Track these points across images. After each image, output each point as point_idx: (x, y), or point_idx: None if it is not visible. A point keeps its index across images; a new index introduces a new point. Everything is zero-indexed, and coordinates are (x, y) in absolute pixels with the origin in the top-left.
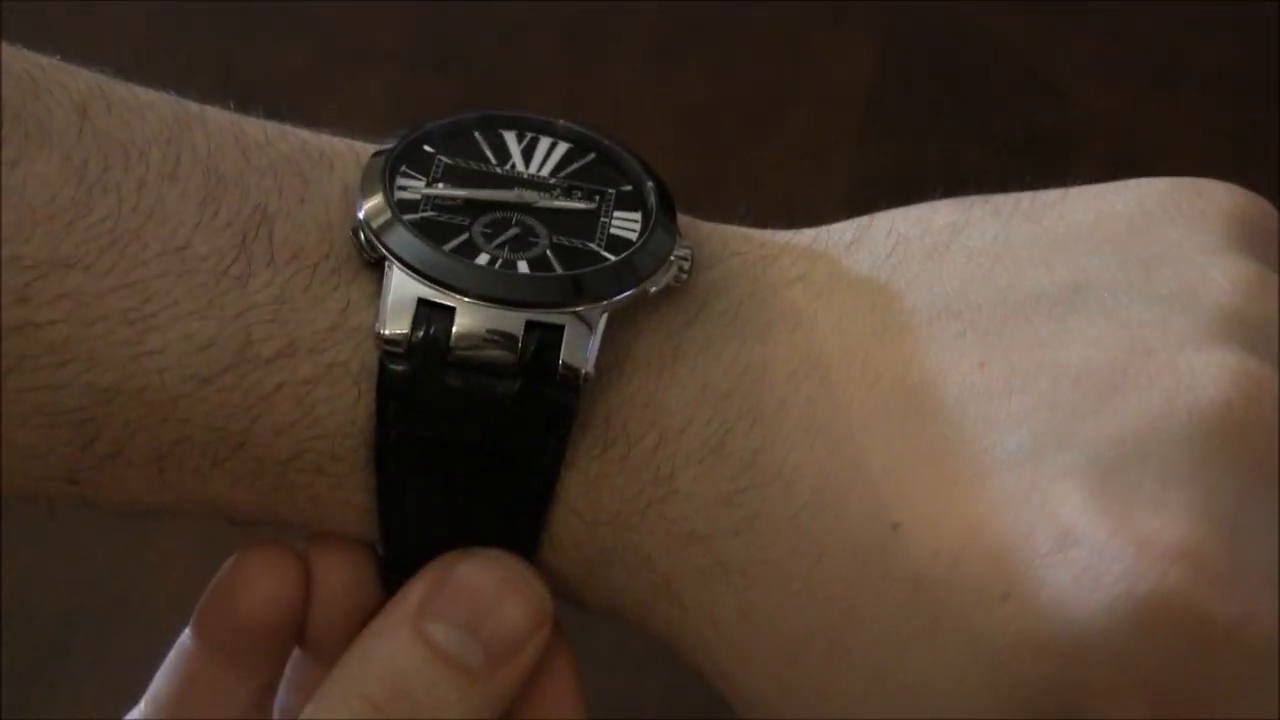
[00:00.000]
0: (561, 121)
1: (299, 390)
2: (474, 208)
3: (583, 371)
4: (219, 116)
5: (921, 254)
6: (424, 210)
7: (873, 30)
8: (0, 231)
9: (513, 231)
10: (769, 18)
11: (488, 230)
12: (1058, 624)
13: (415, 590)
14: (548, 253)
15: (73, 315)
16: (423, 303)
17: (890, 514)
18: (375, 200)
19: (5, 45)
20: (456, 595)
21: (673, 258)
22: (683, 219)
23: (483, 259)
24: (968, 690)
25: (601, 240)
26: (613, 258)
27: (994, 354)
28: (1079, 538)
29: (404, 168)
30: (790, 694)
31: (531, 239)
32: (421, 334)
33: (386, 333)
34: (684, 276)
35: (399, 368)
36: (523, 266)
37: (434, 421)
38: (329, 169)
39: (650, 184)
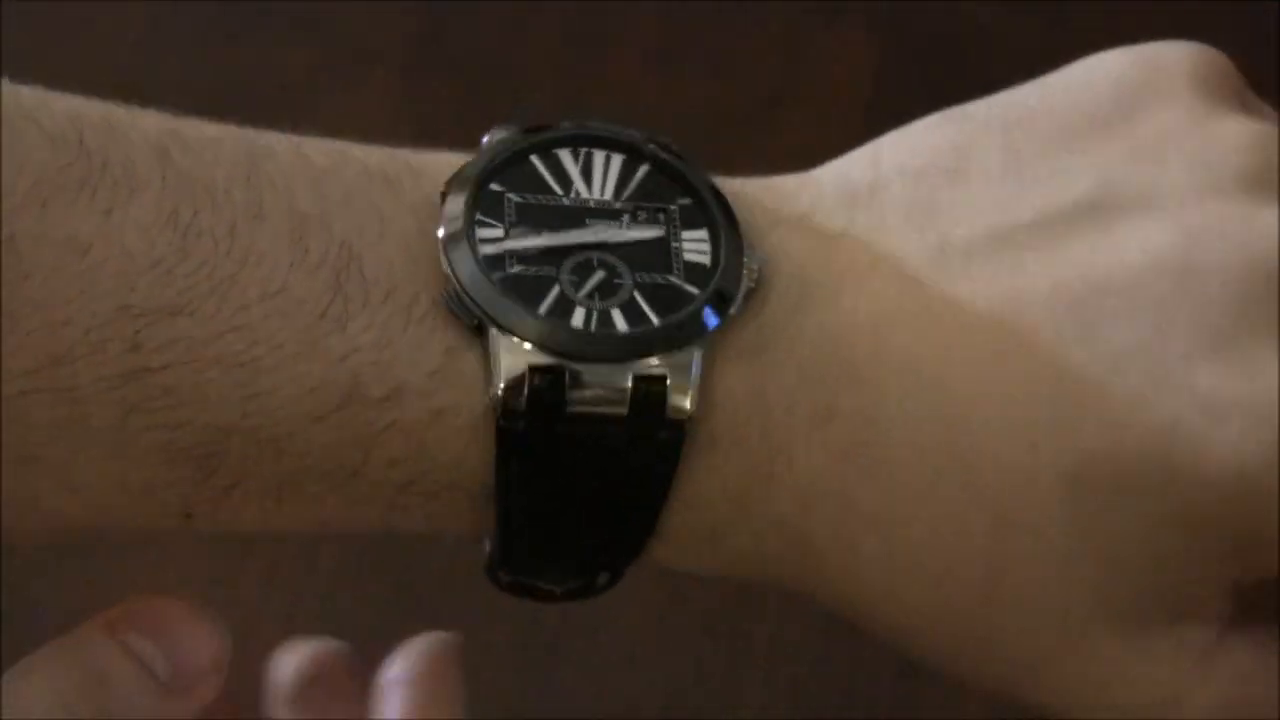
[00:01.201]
0: (604, 127)
1: (410, 429)
2: (555, 254)
3: (689, 411)
4: (279, 143)
5: (946, 181)
6: (510, 266)
7: (873, 30)
8: (108, 282)
9: (598, 276)
10: (769, 18)
11: (574, 277)
12: (1232, 483)
13: (109, 611)
14: (635, 296)
15: (184, 359)
16: (534, 368)
17: (1025, 436)
18: (465, 263)
19: (75, 97)
20: (153, 618)
21: (745, 271)
22: (716, 182)
23: (579, 316)
24: (1154, 551)
25: (680, 270)
26: (695, 290)
27: (1064, 270)
28: (1222, 410)
29: (479, 215)
30: (950, 618)
31: (616, 280)
32: (536, 398)
33: (503, 401)
34: (753, 285)
35: (516, 426)
36: (618, 317)
37: (552, 470)
38: (396, 197)
39: (708, 193)
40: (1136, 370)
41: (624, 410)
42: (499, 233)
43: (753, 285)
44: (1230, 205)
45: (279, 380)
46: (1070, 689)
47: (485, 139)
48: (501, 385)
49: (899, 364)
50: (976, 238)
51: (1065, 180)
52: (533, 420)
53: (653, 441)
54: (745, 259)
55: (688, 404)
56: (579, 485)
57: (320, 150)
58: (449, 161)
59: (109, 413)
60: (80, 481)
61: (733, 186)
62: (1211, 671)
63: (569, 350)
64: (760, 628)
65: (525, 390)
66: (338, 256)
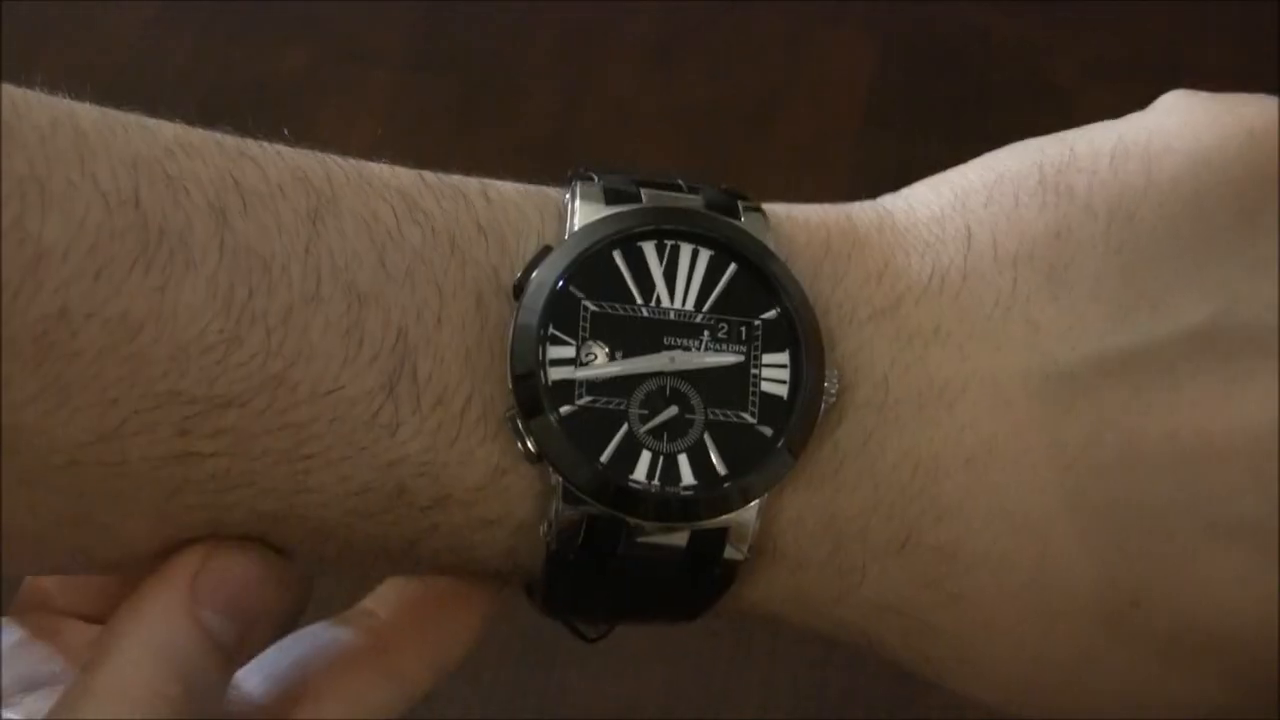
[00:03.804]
0: (700, 215)
1: (456, 530)
2: (629, 381)
3: (744, 556)
4: (347, 195)
5: (1044, 282)
6: (579, 396)
7: (873, 30)
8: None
9: (669, 412)
10: (769, 18)
11: (644, 410)
12: None
13: (184, 571)
14: (706, 438)
15: (234, 449)
16: (590, 517)
17: (1127, 592)
18: (530, 393)
19: (139, 129)
20: (221, 580)
21: (824, 399)
22: (791, 231)
23: (644, 465)
24: (1212, 704)
25: (755, 407)
26: (769, 433)
27: (1176, 417)
28: None
29: (552, 328)
30: (1028, 701)
31: (688, 415)
32: (590, 540)
33: (556, 538)
34: (832, 400)
35: (567, 556)
36: (684, 465)
37: (601, 588)
38: (460, 269)
39: (792, 300)
40: (1244, 547)
41: (679, 556)
42: (570, 352)
43: (831, 402)
44: None
45: (326, 479)
46: None
47: (568, 195)
48: (555, 532)
49: (991, 506)
50: (1081, 364)
51: (1180, 302)
52: (584, 558)
53: (705, 585)
54: (826, 385)
55: (743, 552)
56: (628, 600)
57: (390, 200)
58: (519, 210)
59: (157, 489)
60: (129, 539)
61: (813, 253)
62: None
63: (627, 507)
64: (760, 628)
65: (580, 533)
66: (392, 351)
